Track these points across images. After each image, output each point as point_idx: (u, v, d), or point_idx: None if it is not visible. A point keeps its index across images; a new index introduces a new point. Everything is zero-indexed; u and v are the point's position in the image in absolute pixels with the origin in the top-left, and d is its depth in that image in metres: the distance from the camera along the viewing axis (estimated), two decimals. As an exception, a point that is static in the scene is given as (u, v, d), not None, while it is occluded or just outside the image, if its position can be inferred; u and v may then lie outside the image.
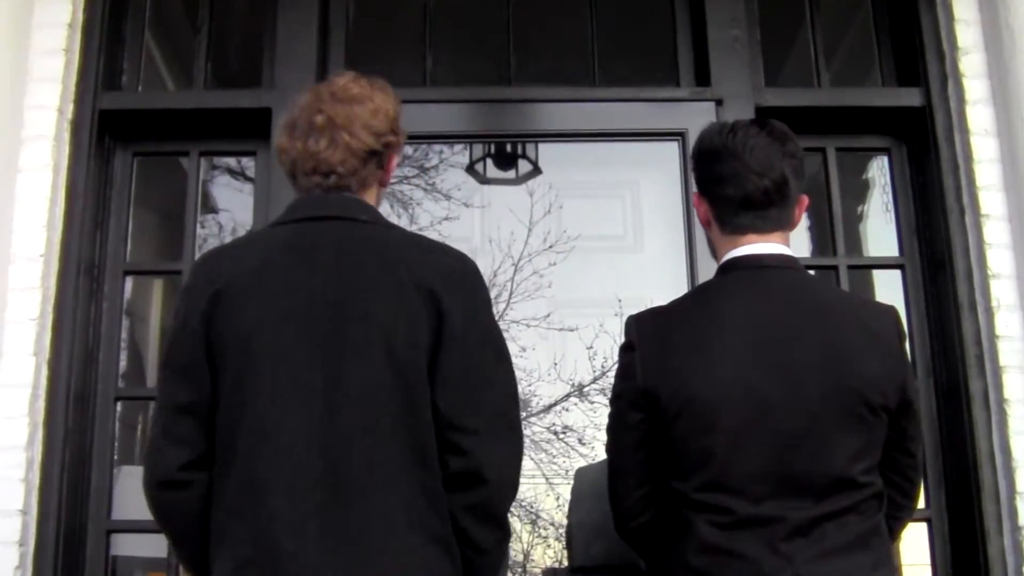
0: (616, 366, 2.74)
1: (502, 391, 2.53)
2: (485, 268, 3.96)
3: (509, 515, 2.56)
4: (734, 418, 2.48)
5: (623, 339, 2.70)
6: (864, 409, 2.50)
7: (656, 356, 2.60)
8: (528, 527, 4.73)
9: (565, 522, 3.95)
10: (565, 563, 3.86)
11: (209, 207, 6.45)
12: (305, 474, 2.34)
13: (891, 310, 2.71)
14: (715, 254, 2.80)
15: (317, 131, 2.61)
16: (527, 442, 4.07)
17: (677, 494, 2.55)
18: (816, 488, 2.46)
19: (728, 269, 2.70)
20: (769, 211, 2.66)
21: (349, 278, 2.47)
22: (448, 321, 2.45)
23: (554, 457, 4.58)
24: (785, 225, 2.70)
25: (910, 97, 4.10)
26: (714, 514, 2.48)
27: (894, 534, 2.77)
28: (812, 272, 3.82)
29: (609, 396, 2.77)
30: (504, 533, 2.54)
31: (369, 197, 2.67)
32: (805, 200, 2.74)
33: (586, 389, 4.26)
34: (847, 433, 2.49)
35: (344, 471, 2.35)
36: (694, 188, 2.83)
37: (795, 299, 2.61)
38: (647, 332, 2.66)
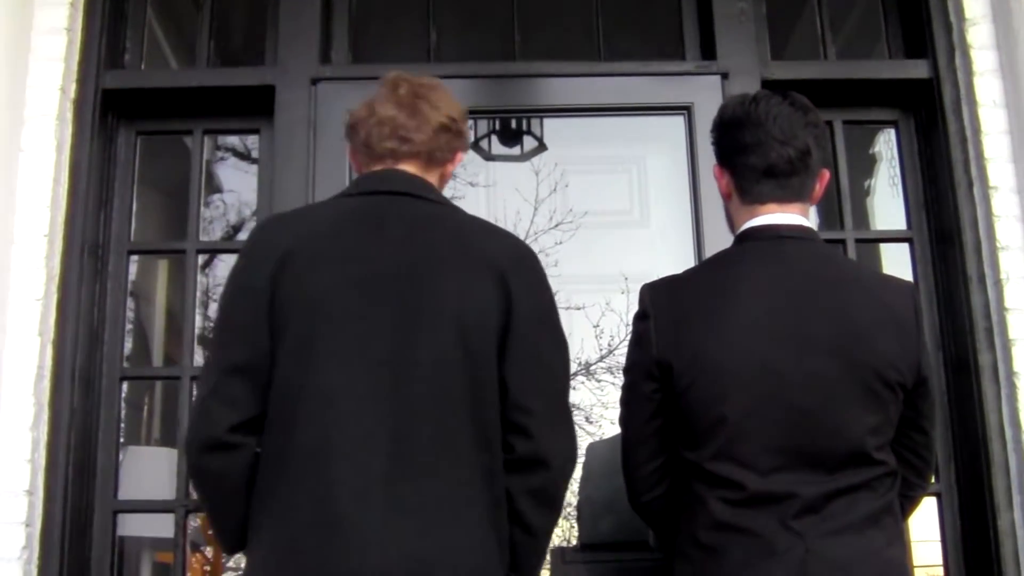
0: (629, 335, 2.73)
1: (562, 377, 2.58)
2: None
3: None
4: (747, 389, 2.48)
5: (637, 307, 2.70)
6: (879, 385, 2.49)
7: (670, 325, 2.59)
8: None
9: (572, 501, 3.95)
10: (574, 541, 3.86)
11: (213, 187, 6.44)
12: (371, 442, 2.33)
13: (909, 287, 2.71)
14: (732, 227, 2.79)
15: (397, 101, 2.66)
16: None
17: (689, 465, 2.55)
18: (829, 462, 2.46)
19: (745, 239, 2.70)
20: (791, 180, 2.65)
21: (421, 252, 2.49)
22: (516, 303, 2.48)
23: (561, 435, 4.58)
24: (805, 197, 2.69)
25: (917, 69, 4.07)
26: (725, 489, 2.47)
27: (906, 513, 2.76)
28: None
29: (622, 367, 2.76)
30: (556, 518, 2.56)
31: (433, 179, 2.71)
32: (826, 175, 2.74)
33: (593, 368, 4.26)
34: (862, 409, 2.49)
35: (410, 442, 2.34)
36: (712, 161, 2.81)
37: (812, 271, 2.60)
38: (661, 301, 2.65)
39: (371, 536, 2.26)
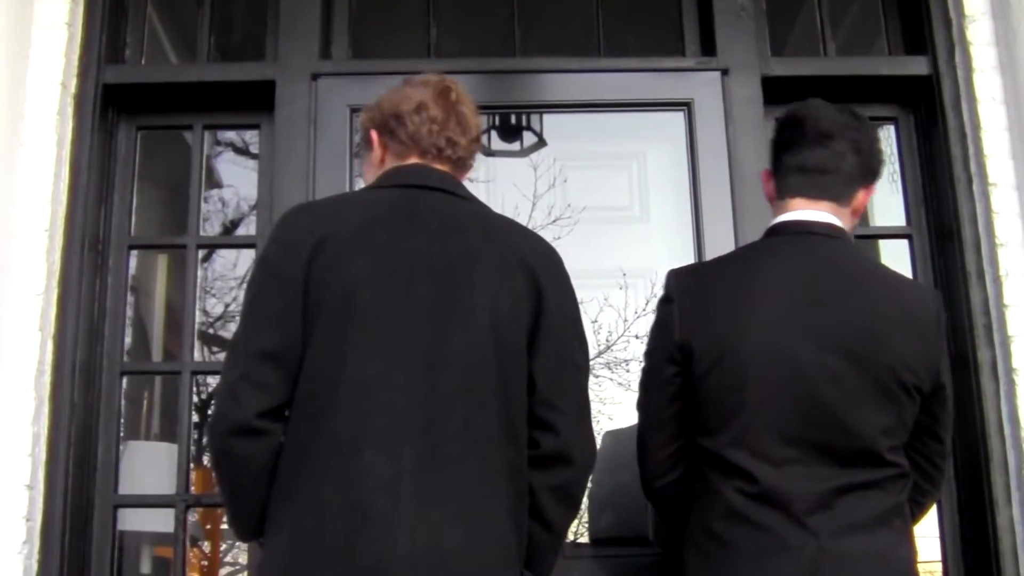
0: (653, 319, 2.80)
1: (585, 377, 2.62)
2: (489, 243, 3.95)
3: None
4: (766, 378, 2.52)
5: (662, 292, 2.77)
6: (895, 386, 2.53)
7: (693, 310, 2.65)
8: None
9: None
10: (571, 536, 3.86)
11: (213, 181, 6.43)
12: (403, 432, 2.34)
13: (934, 294, 2.80)
14: None
15: (446, 106, 2.72)
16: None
17: (703, 453, 2.59)
18: (841, 457, 2.50)
19: (774, 232, 2.77)
20: (822, 179, 2.72)
21: (455, 246, 2.51)
22: (547, 302, 2.52)
23: (560, 431, 4.58)
24: (841, 199, 2.74)
25: (917, 65, 4.08)
26: (739, 480, 2.51)
27: (915, 518, 2.80)
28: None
29: (643, 352, 2.82)
30: (575, 516, 2.60)
31: None
32: (872, 188, 2.81)
33: (591, 363, 4.25)
34: (875, 407, 2.53)
35: (441, 433, 2.36)
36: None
37: (837, 268, 2.65)
38: (686, 286, 2.72)
39: (398, 525, 2.27)
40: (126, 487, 3.90)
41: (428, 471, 2.32)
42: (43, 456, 3.55)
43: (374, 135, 2.77)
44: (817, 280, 2.61)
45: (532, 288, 2.50)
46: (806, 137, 2.74)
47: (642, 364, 2.78)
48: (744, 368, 2.54)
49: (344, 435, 2.34)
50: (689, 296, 2.69)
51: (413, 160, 2.69)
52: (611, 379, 4.01)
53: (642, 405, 2.77)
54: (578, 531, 3.85)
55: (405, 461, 2.32)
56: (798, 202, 2.74)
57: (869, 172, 2.80)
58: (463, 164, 2.75)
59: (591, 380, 4.08)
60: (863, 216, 4.93)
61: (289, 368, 2.40)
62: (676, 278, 2.76)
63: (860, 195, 2.78)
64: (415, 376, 2.38)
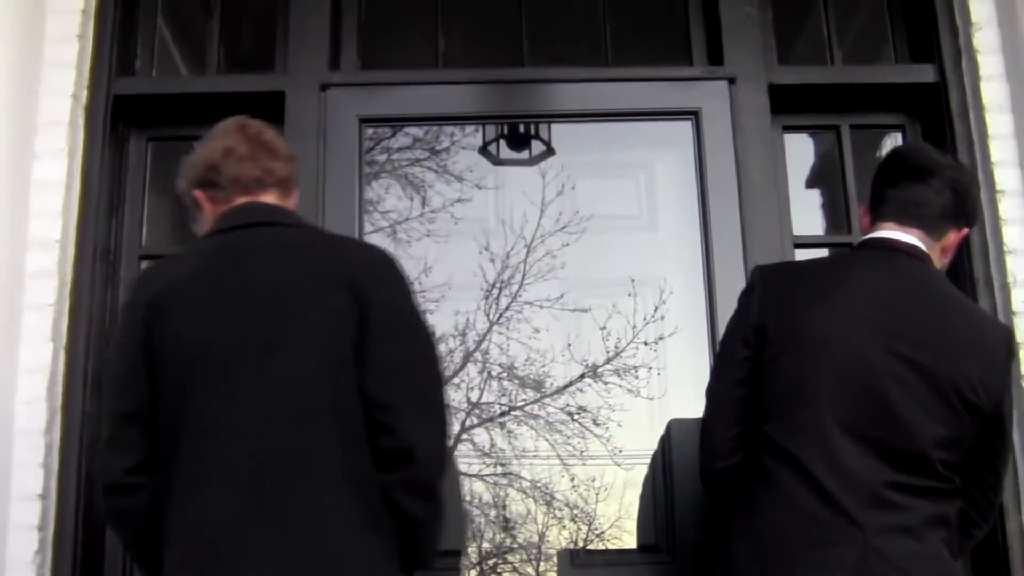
0: (734, 310, 2.92)
1: (424, 371, 2.66)
2: (498, 250, 3.98)
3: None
4: (835, 370, 2.62)
5: (745, 285, 2.91)
6: (956, 400, 2.60)
7: (773, 299, 2.77)
8: (543, 508, 4.70)
9: (580, 504, 3.98)
10: (580, 544, 3.87)
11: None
12: (241, 467, 2.44)
13: (1009, 331, 2.88)
14: None
15: (249, 139, 2.84)
16: (542, 423, 4.11)
17: (764, 440, 2.68)
18: (895, 457, 2.58)
19: (862, 246, 2.89)
20: (915, 210, 2.83)
21: (279, 276, 2.61)
22: (369, 307, 2.57)
23: (568, 438, 4.55)
24: (930, 230, 2.84)
25: (923, 73, 4.09)
26: (797, 469, 2.59)
27: (961, 550, 2.83)
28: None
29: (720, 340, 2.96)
30: (439, 506, 2.62)
31: (290, 205, 2.87)
32: (964, 231, 2.90)
33: (600, 370, 4.25)
34: (936, 417, 2.60)
35: (277, 462, 2.45)
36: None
37: (918, 285, 2.75)
38: (769, 279, 2.84)
39: (247, 557, 2.37)
40: (137, 496, 3.90)
41: (268, 501, 2.41)
42: (56, 466, 3.58)
43: (198, 194, 2.86)
44: (896, 292, 2.71)
45: (354, 300, 2.56)
46: (906, 172, 2.86)
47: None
48: (815, 357, 2.64)
49: (191, 479, 2.45)
50: (771, 287, 2.81)
51: (240, 200, 2.78)
52: (620, 386, 4.03)
53: (710, 389, 2.87)
54: (588, 538, 3.87)
55: (246, 495, 2.42)
56: (889, 225, 2.85)
57: (963, 214, 2.90)
58: (288, 184, 2.87)
59: (600, 386, 4.12)
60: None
61: (146, 427, 2.55)
62: (760, 271, 2.89)
63: (951, 235, 2.89)
64: (247, 410, 2.47)
